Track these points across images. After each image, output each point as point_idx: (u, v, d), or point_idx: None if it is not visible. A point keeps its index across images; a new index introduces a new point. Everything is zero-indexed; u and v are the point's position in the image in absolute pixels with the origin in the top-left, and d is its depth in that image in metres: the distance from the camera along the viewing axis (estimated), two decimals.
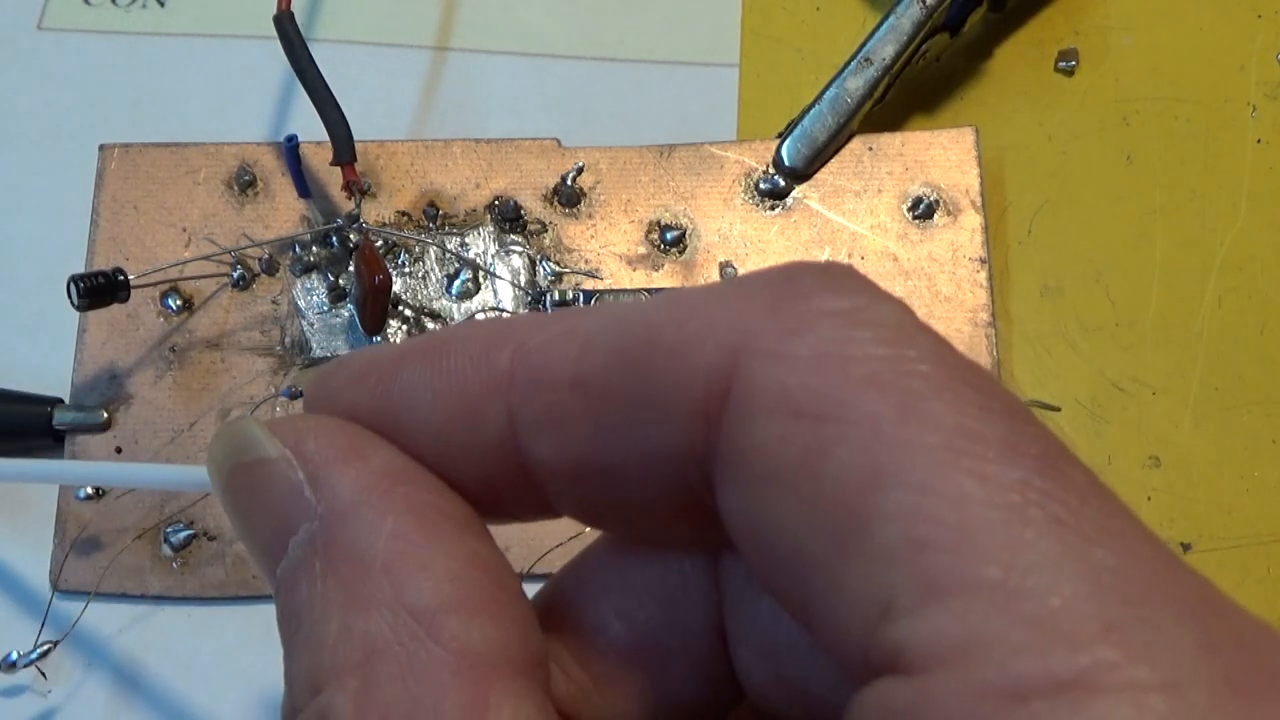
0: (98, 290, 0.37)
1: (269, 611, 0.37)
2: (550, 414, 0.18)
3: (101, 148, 0.42)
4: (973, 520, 0.15)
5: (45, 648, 0.36)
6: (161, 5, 0.46)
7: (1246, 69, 0.44)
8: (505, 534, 0.37)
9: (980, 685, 0.14)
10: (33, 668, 0.36)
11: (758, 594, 0.19)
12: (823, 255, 0.41)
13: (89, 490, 0.37)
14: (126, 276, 0.37)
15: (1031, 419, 0.16)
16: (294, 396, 0.38)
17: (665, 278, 0.40)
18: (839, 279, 0.17)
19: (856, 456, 0.15)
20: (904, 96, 0.43)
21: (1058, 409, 0.40)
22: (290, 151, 0.38)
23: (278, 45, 0.40)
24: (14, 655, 0.36)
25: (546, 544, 0.38)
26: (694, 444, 0.17)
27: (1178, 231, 0.42)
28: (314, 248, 0.41)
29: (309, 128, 0.40)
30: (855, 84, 0.41)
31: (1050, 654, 0.14)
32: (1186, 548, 0.38)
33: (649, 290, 0.38)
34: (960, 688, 0.14)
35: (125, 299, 0.37)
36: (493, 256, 0.41)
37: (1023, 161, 0.43)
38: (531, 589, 0.37)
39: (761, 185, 0.41)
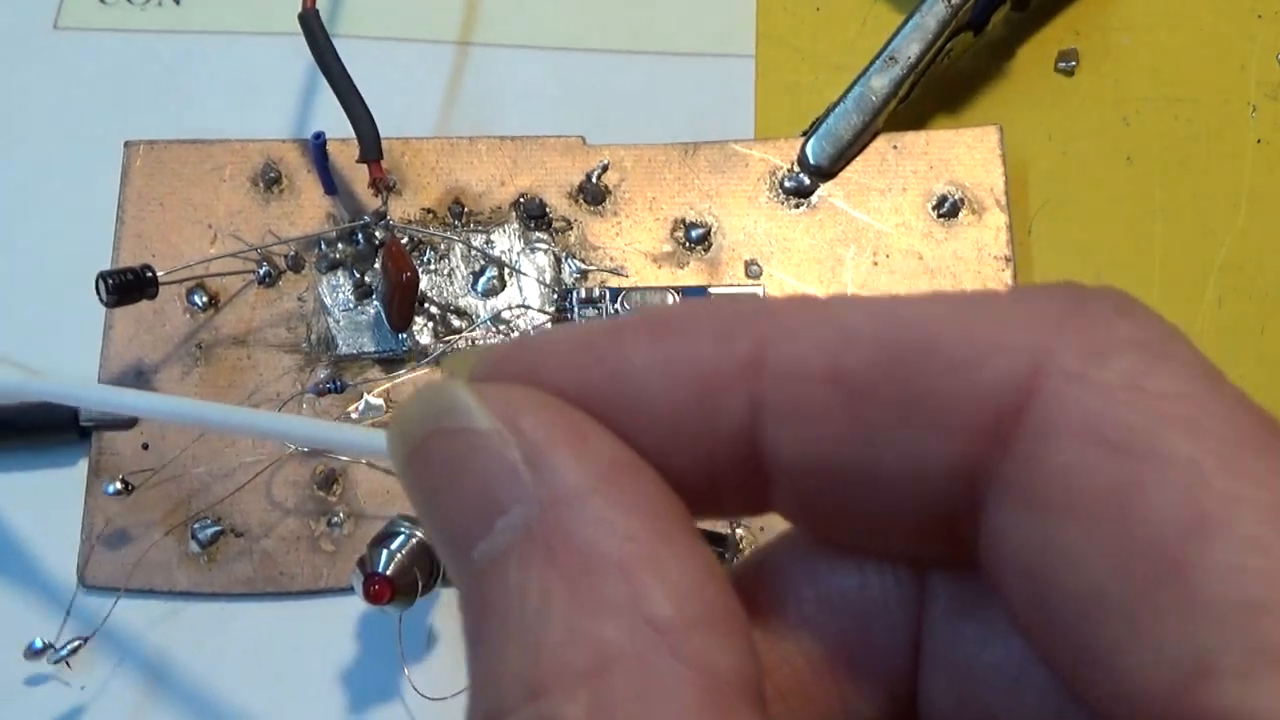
0: (126, 287, 0.37)
1: (297, 608, 0.38)
2: (802, 407, 0.17)
3: (127, 144, 0.42)
4: None
5: (75, 644, 0.36)
6: (177, 3, 0.46)
7: (1246, 69, 0.44)
8: None
9: None
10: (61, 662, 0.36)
11: (963, 617, 0.18)
12: (848, 254, 0.41)
13: (117, 485, 0.38)
14: (155, 273, 0.37)
15: None
16: (321, 393, 0.38)
17: (690, 275, 0.41)
18: (1132, 307, 0.17)
19: (1177, 501, 0.15)
20: (918, 95, 0.44)
21: None
22: (318, 149, 0.38)
23: (295, 41, 0.40)
24: (38, 643, 0.36)
25: None
26: (971, 458, 0.16)
27: (1178, 231, 0.42)
28: (340, 245, 0.41)
29: (331, 124, 0.40)
30: (880, 82, 0.41)
31: None
32: None
33: (675, 288, 0.38)
34: None
35: (154, 295, 0.37)
36: (518, 254, 0.41)
37: (1023, 162, 0.43)
38: None
39: (786, 183, 0.42)
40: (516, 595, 0.16)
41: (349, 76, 0.39)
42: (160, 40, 0.46)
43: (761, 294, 0.38)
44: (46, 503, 0.39)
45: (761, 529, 0.38)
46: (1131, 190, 0.43)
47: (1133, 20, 0.45)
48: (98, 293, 0.37)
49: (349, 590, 0.37)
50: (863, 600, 0.18)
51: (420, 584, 0.35)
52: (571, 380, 0.17)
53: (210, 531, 0.38)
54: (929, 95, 0.44)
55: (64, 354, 0.41)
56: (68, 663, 0.36)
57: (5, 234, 0.43)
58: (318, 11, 0.39)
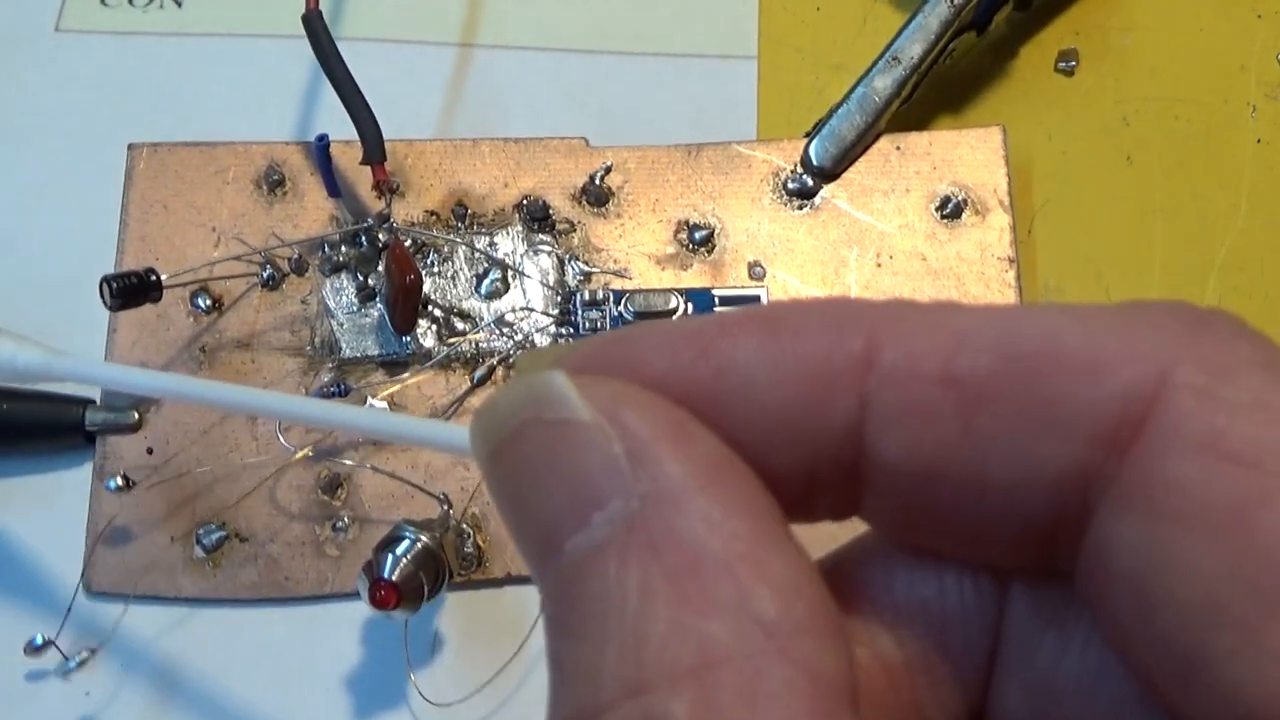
0: (130, 290, 0.37)
1: (302, 613, 0.37)
2: (912, 408, 0.17)
3: (130, 147, 0.42)
4: None
5: (84, 655, 0.36)
6: (179, 5, 0.46)
7: (1246, 69, 0.44)
8: None
9: None
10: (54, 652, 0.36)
11: (1042, 627, 0.18)
12: (852, 255, 0.41)
13: (118, 481, 0.37)
14: (159, 277, 0.37)
15: None
16: (325, 397, 0.38)
17: (694, 277, 0.40)
18: (1247, 329, 0.17)
19: None
20: (920, 95, 0.44)
21: None
22: (321, 150, 0.38)
23: (297, 43, 0.40)
24: (39, 639, 0.36)
25: None
26: (1087, 466, 0.16)
27: (1178, 231, 0.42)
28: (343, 247, 0.41)
29: (333, 126, 0.40)
30: (883, 83, 0.41)
31: None
32: None
33: (680, 290, 0.38)
34: None
35: (158, 299, 0.37)
36: (521, 256, 0.41)
37: (1023, 162, 0.43)
38: None
39: (790, 185, 0.41)
40: (616, 590, 0.16)
41: (352, 78, 0.39)
42: (162, 42, 0.45)
43: (765, 296, 0.38)
44: (52, 508, 0.39)
45: None
46: (1131, 190, 0.43)
47: (1133, 20, 0.45)
48: (102, 297, 0.37)
49: (354, 595, 0.37)
50: (941, 607, 0.18)
51: (426, 589, 0.35)
52: (672, 376, 0.17)
53: (215, 537, 0.38)
54: (930, 95, 0.44)
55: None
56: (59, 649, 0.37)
57: (7, 237, 0.42)
58: (321, 13, 0.39)
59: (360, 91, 0.39)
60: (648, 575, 0.16)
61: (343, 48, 0.40)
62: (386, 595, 0.34)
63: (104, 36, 0.46)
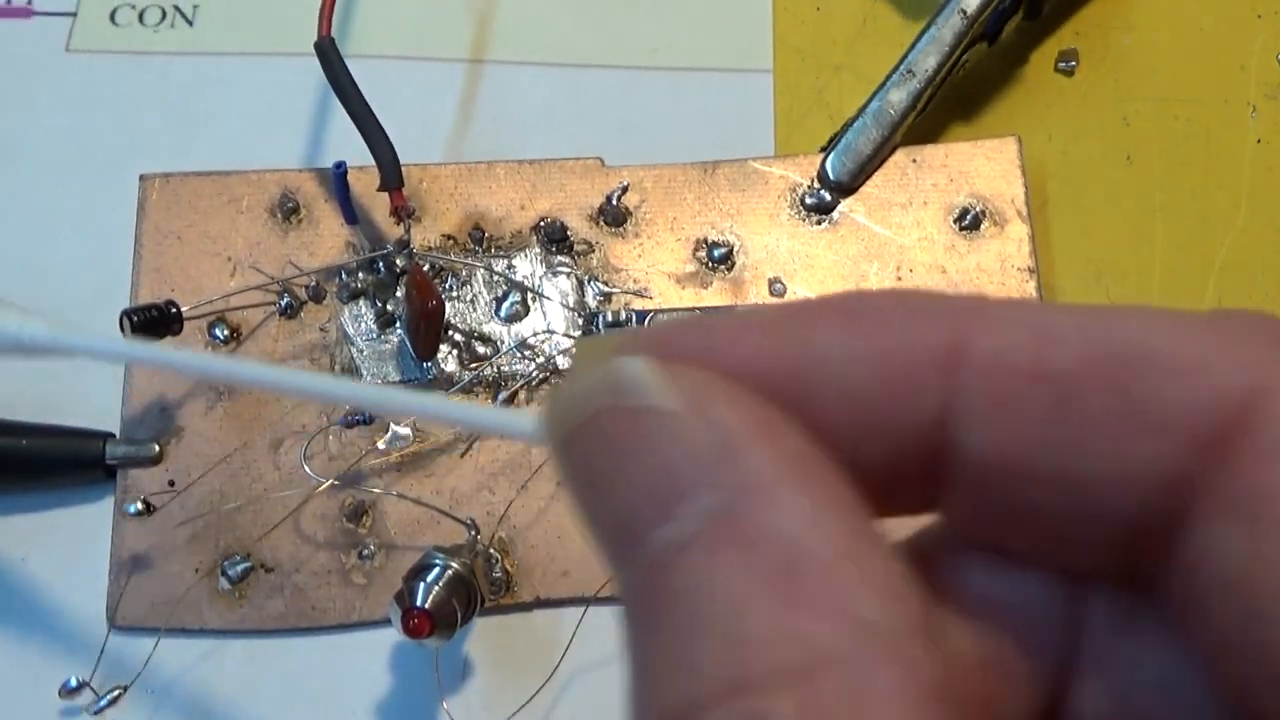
0: (151, 323, 0.37)
1: (330, 642, 0.37)
2: (1003, 404, 0.16)
3: (142, 178, 0.42)
4: None
5: (115, 693, 0.36)
6: (190, 24, 0.46)
7: (1246, 69, 0.44)
8: (563, 557, 0.36)
9: None
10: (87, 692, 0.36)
11: (1122, 630, 0.18)
12: (872, 269, 0.41)
13: (139, 505, 0.37)
14: (179, 309, 0.37)
15: None
16: (350, 425, 0.38)
17: (714, 295, 0.40)
18: None
19: None
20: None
21: None
22: (339, 178, 0.38)
23: (310, 62, 0.40)
24: (73, 681, 0.36)
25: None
26: (1183, 469, 0.16)
27: (1178, 231, 0.42)
28: (360, 274, 0.40)
29: (346, 149, 0.40)
30: (898, 96, 0.41)
31: None
32: None
33: (702, 309, 0.38)
34: None
35: (178, 331, 0.37)
36: (540, 278, 0.41)
37: (1028, 164, 0.43)
38: (597, 612, 0.37)
39: (807, 200, 0.41)
40: (709, 587, 0.15)
41: (367, 104, 0.38)
42: (173, 62, 0.45)
43: None
44: (76, 543, 0.39)
45: None
46: (1131, 190, 0.43)
47: (1133, 20, 0.45)
48: (121, 330, 0.36)
49: (383, 623, 0.36)
50: (1018, 606, 0.18)
51: (459, 615, 0.34)
52: (755, 365, 0.17)
53: (241, 568, 0.38)
54: (937, 104, 0.44)
55: (86, 391, 0.40)
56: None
57: (22, 263, 0.42)
58: (333, 40, 0.39)
59: (375, 117, 0.38)
60: (743, 572, 0.15)
61: (353, 65, 0.40)
62: (420, 624, 0.33)
63: (116, 56, 0.45)
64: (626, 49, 0.45)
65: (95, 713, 0.36)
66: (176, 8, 0.46)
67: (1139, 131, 0.44)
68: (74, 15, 0.46)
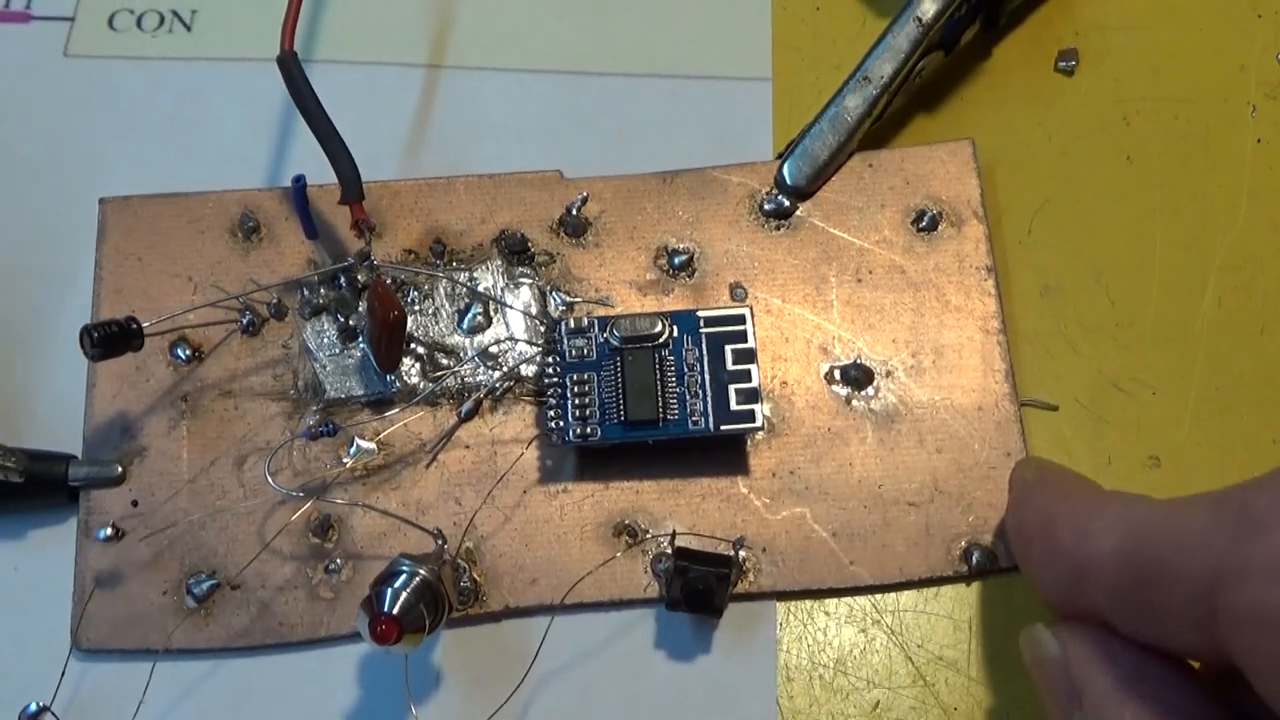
0: (111, 339, 0.36)
1: (299, 658, 0.37)
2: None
3: (101, 201, 0.42)
4: None
5: None
6: (188, 30, 0.46)
7: (1246, 69, 0.45)
8: (531, 566, 0.36)
9: None
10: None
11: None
12: (831, 271, 0.41)
13: (108, 531, 0.37)
14: (140, 325, 0.37)
15: None
16: (313, 438, 0.38)
17: (676, 302, 0.40)
18: None
19: None
20: (904, 103, 0.44)
21: (1054, 408, 0.40)
22: (299, 193, 0.38)
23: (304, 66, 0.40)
24: (33, 706, 0.36)
25: (575, 574, 0.37)
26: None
27: (1178, 231, 0.42)
28: (322, 289, 0.40)
29: (309, 166, 0.40)
30: (855, 102, 0.42)
31: None
32: None
33: (664, 314, 0.38)
34: None
35: (139, 347, 0.37)
36: (502, 289, 0.41)
37: (1023, 161, 0.43)
38: (565, 620, 0.36)
39: (766, 206, 0.42)
40: None
41: (328, 118, 0.39)
42: (171, 68, 0.45)
43: (749, 316, 0.38)
44: (37, 566, 0.38)
45: (764, 550, 0.38)
46: (1131, 190, 0.43)
47: (1133, 20, 0.46)
48: (82, 346, 0.36)
49: (351, 637, 0.36)
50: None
51: (428, 622, 0.34)
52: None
53: (206, 586, 0.37)
54: (912, 101, 0.44)
55: (45, 410, 0.40)
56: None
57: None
58: (295, 54, 0.39)
59: (336, 131, 0.39)
60: None
61: (324, 69, 0.39)
62: (388, 630, 0.33)
63: (113, 61, 0.45)
64: (625, 57, 0.45)
65: None
66: (175, 13, 0.46)
67: (1139, 131, 0.44)
68: (72, 20, 0.46)
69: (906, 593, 0.38)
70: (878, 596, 0.38)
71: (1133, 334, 0.41)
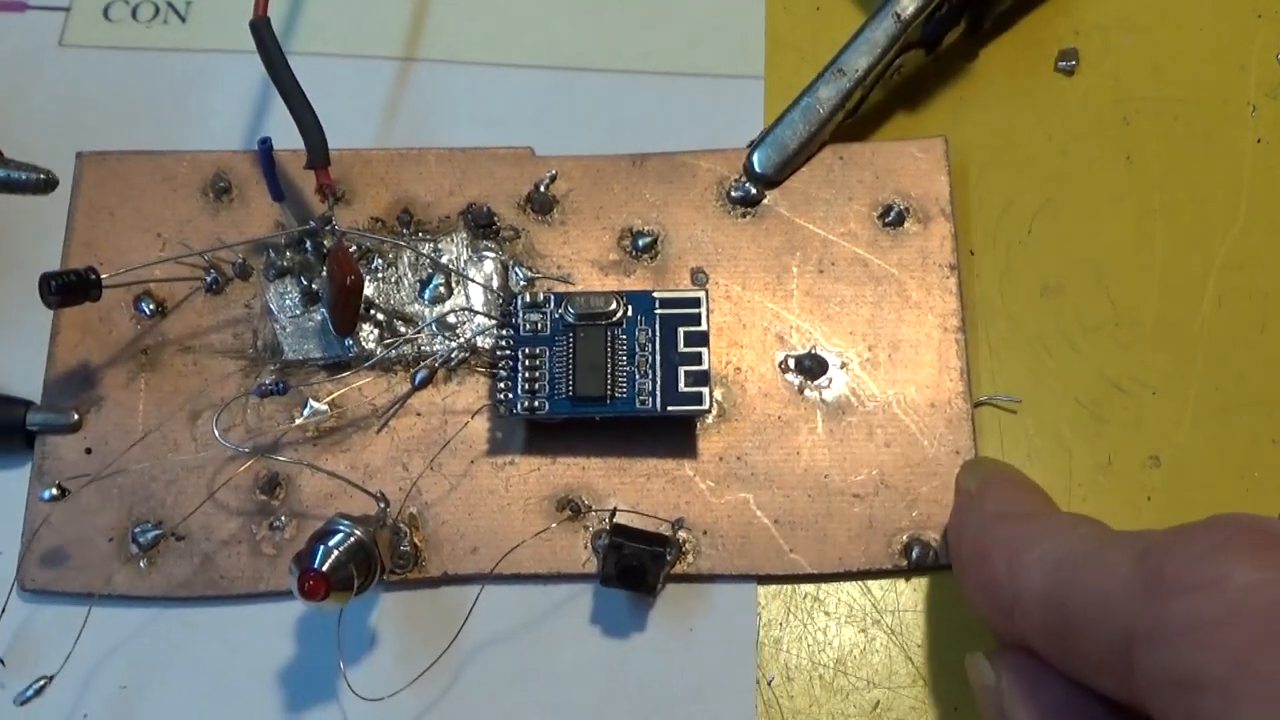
0: (69, 287, 0.37)
1: (237, 611, 0.37)
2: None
3: (79, 155, 0.42)
4: None
5: (40, 684, 0.36)
6: (183, 20, 0.46)
7: (1246, 69, 0.45)
8: (473, 534, 0.37)
9: None
10: None
11: None
12: (794, 261, 0.41)
13: (53, 491, 0.37)
14: (98, 275, 0.37)
15: None
16: (264, 395, 0.38)
17: (637, 283, 0.41)
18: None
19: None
20: (884, 99, 0.44)
21: (1015, 407, 0.40)
22: (264, 154, 0.38)
23: (299, 60, 0.40)
24: None
25: (512, 542, 0.38)
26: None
27: (1178, 231, 0.42)
28: (288, 252, 0.41)
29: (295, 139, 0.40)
30: (828, 93, 0.42)
31: None
32: None
33: (619, 293, 0.38)
34: None
35: (97, 297, 0.37)
36: (465, 262, 0.41)
37: (1023, 161, 0.43)
38: (499, 590, 0.37)
39: (733, 193, 0.42)
40: None
41: (297, 83, 0.39)
42: (165, 58, 0.46)
43: (703, 299, 0.38)
44: None
45: (705, 533, 0.38)
46: (1131, 190, 0.43)
47: (1133, 20, 0.46)
48: (41, 294, 0.37)
49: (289, 594, 0.36)
50: None
51: (356, 582, 0.34)
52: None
53: (151, 535, 0.38)
54: (898, 98, 0.44)
55: (6, 357, 0.40)
56: None
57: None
58: (268, 19, 0.40)
59: (305, 96, 0.39)
60: None
61: (302, 61, 0.40)
62: (315, 586, 0.33)
63: (108, 51, 0.46)
64: (616, 53, 0.45)
65: (20, 704, 0.35)
66: (170, 4, 0.47)
67: (1139, 131, 0.44)
68: (67, 10, 0.47)
69: (907, 593, 0.38)
70: (878, 596, 0.38)
71: (1133, 334, 0.41)
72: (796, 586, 0.38)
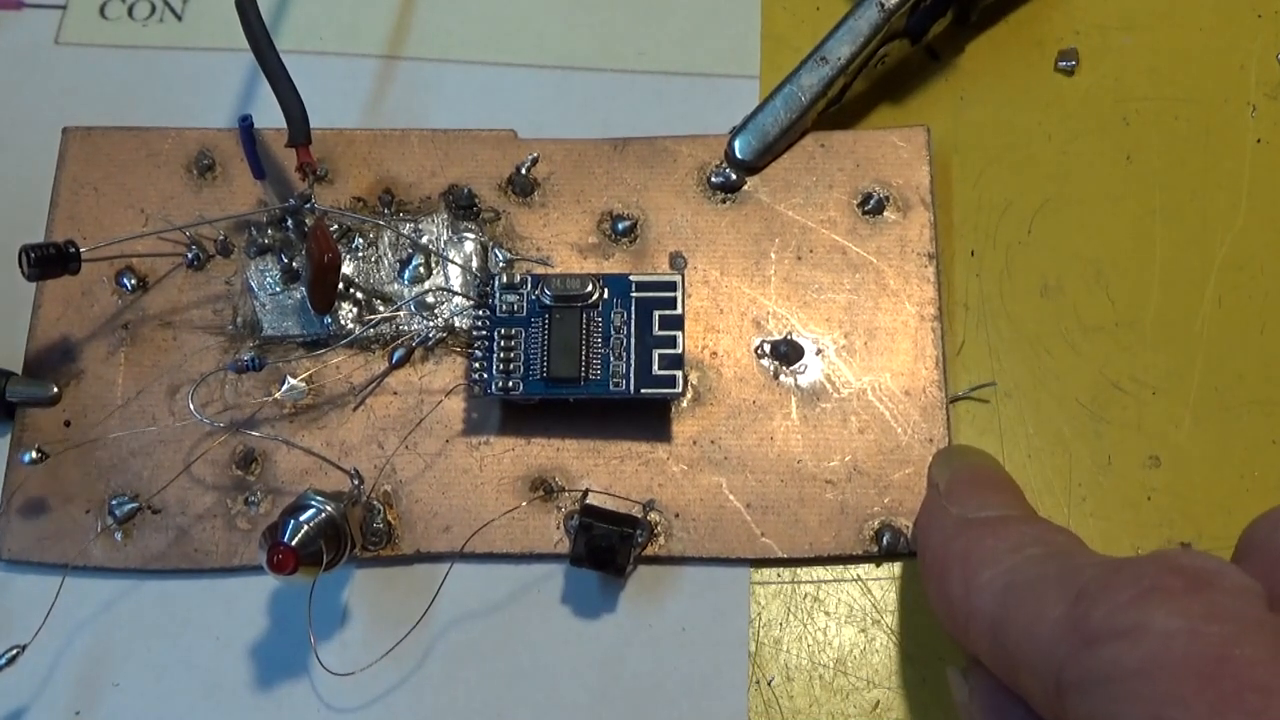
0: (48, 260, 0.37)
1: (211, 585, 0.38)
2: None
3: (65, 130, 0.43)
4: None
5: (13, 653, 0.36)
6: (179, 19, 0.47)
7: (1246, 69, 0.45)
8: (446, 513, 0.37)
9: None
10: None
11: None
12: (773, 247, 0.41)
13: (33, 454, 0.37)
14: (78, 248, 0.38)
15: None
16: (240, 370, 0.39)
17: (615, 266, 0.41)
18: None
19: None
20: (879, 92, 0.44)
21: (991, 386, 0.40)
22: (245, 131, 0.38)
23: (297, 59, 0.40)
24: None
25: (484, 518, 0.38)
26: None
27: (1178, 231, 0.42)
28: (269, 230, 0.41)
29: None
30: (810, 81, 0.42)
31: None
32: (1186, 547, 0.38)
33: (596, 276, 0.39)
34: None
35: (76, 270, 0.38)
36: (445, 242, 0.41)
37: (1023, 161, 0.43)
38: (470, 568, 0.37)
39: (714, 178, 0.42)
40: None
41: (280, 60, 0.39)
42: (162, 57, 0.46)
43: (680, 284, 0.38)
44: None
45: (677, 516, 0.38)
46: (1131, 190, 0.43)
47: (1133, 20, 0.46)
48: (20, 265, 0.37)
49: (263, 569, 0.37)
50: None
51: (325, 558, 0.35)
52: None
53: (128, 508, 0.38)
54: (888, 93, 0.44)
55: None
56: None
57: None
58: None
59: (287, 73, 0.39)
60: None
61: (297, 59, 0.40)
62: (284, 559, 0.34)
63: (103, 50, 0.46)
64: (611, 52, 0.45)
65: None
66: (166, 2, 0.47)
67: (1139, 131, 0.44)
68: (64, 8, 0.47)
69: (907, 593, 0.38)
70: (878, 596, 0.38)
71: (1133, 334, 0.41)
72: (796, 586, 0.38)
